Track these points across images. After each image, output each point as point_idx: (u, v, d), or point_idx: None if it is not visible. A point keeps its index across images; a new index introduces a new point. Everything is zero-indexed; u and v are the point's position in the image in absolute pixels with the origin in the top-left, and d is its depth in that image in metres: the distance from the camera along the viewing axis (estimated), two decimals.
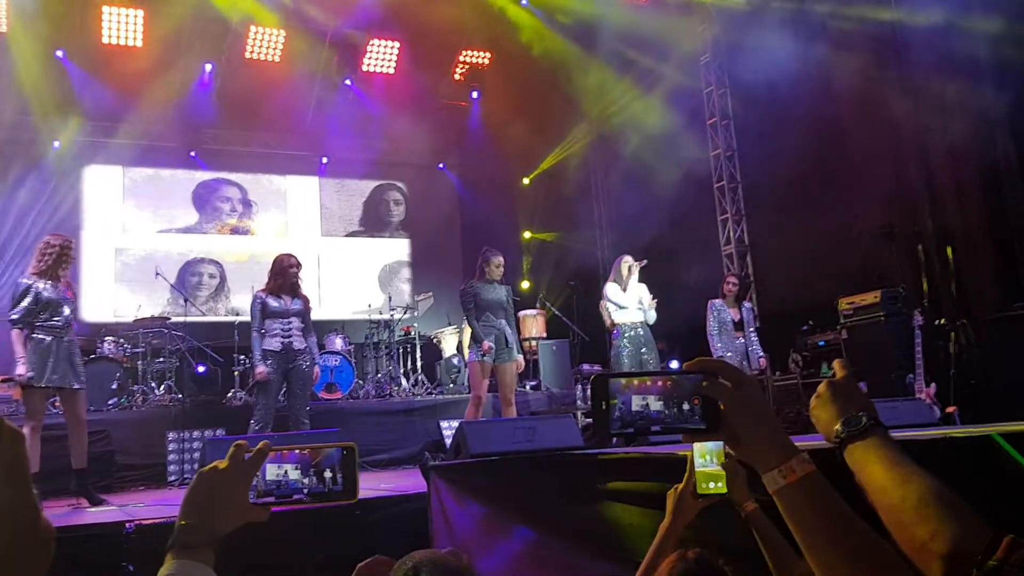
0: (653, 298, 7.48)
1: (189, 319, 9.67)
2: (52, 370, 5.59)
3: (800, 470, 1.07)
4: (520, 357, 7.14)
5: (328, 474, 1.26)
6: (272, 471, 1.25)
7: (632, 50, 11.50)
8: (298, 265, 6.77)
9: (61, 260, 5.80)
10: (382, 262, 14.02)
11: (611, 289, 7.54)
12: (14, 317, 5.60)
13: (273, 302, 6.60)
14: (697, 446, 1.83)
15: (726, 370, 1.14)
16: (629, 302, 7.44)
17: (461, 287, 7.26)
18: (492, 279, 7.01)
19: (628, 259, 7.57)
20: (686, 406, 1.11)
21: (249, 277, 12.15)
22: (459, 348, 10.72)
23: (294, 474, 1.26)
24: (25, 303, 5.60)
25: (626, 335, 7.41)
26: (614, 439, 1.29)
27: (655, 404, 1.11)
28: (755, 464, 1.11)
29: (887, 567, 1.02)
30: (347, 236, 14.00)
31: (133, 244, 12.34)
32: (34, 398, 5.60)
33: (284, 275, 6.69)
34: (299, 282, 6.79)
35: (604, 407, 1.11)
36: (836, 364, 1.30)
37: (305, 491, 1.26)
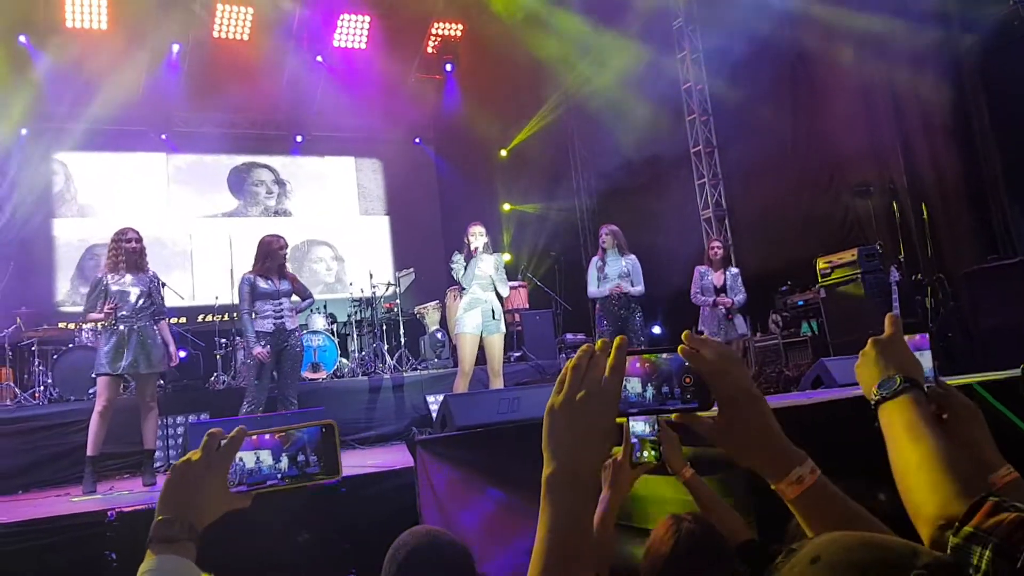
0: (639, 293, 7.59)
1: (167, 305, 9.61)
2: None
3: (809, 479, 1.05)
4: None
5: (302, 456, 1.22)
6: (243, 459, 1.22)
7: (606, 15, 11.43)
8: (285, 246, 6.81)
9: (117, 253, 6.05)
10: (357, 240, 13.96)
11: (594, 261, 7.71)
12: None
13: (263, 284, 6.63)
14: None
15: (723, 361, 1.07)
16: (611, 271, 7.53)
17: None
18: (476, 249, 6.94)
19: (611, 229, 7.69)
20: (665, 388, 1.07)
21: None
22: (442, 322, 10.71)
23: (267, 459, 1.22)
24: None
25: (606, 304, 7.56)
26: None
27: (635, 387, 1.08)
28: (763, 474, 1.09)
29: None
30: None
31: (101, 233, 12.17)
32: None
33: (273, 257, 6.70)
34: (286, 263, 6.84)
35: None
36: (887, 320, 1.28)
37: (279, 475, 1.22)
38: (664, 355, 1.08)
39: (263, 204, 13.53)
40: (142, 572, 1.13)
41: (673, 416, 1.09)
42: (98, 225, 12.11)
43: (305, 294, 7.01)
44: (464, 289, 6.99)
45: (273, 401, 6.72)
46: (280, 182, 13.67)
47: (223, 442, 1.21)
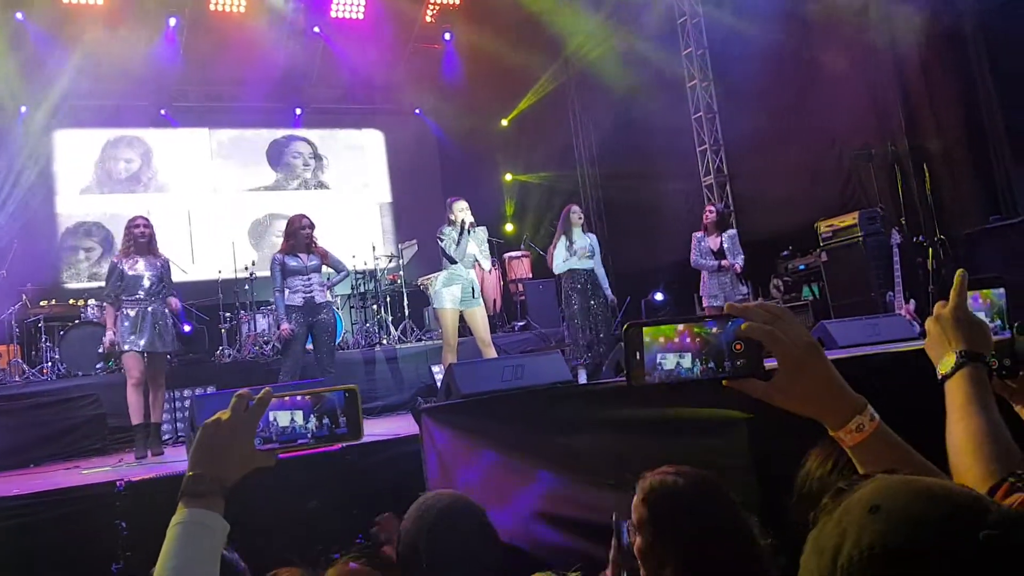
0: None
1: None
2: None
3: (869, 427, 1.05)
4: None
5: (328, 419, 1.30)
6: (277, 418, 1.30)
7: None
8: (311, 226, 7.02)
9: (128, 240, 6.37)
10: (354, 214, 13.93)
11: (563, 240, 7.87)
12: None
13: (291, 261, 6.88)
14: None
15: (784, 322, 1.07)
16: (577, 250, 7.75)
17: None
18: (472, 224, 7.01)
19: (574, 209, 7.94)
20: (713, 361, 1.06)
21: None
22: None
23: (299, 419, 1.30)
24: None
25: (574, 281, 7.77)
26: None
27: (686, 362, 1.07)
28: (823, 422, 1.09)
29: None
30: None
31: (103, 208, 12.15)
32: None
33: (296, 236, 6.95)
34: (314, 240, 7.04)
35: (638, 357, 1.08)
36: (956, 278, 1.27)
37: (309, 435, 1.30)
38: (714, 327, 1.07)
39: (301, 177, 13.62)
40: (174, 524, 1.21)
41: (725, 383, 1.08)
42: (98, 203, 12.15)
43: (339, 267, 7.26)
44: (453, 262, 7.03)
45: (312, 370, 6.98)
46: (317, 156, 13.71)
47: (251, 403, 1.28)
